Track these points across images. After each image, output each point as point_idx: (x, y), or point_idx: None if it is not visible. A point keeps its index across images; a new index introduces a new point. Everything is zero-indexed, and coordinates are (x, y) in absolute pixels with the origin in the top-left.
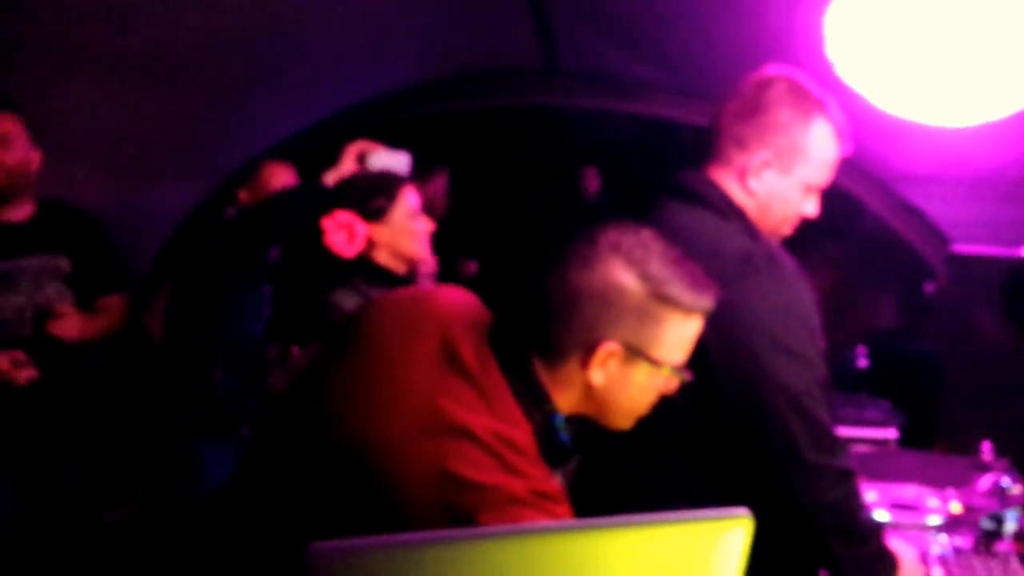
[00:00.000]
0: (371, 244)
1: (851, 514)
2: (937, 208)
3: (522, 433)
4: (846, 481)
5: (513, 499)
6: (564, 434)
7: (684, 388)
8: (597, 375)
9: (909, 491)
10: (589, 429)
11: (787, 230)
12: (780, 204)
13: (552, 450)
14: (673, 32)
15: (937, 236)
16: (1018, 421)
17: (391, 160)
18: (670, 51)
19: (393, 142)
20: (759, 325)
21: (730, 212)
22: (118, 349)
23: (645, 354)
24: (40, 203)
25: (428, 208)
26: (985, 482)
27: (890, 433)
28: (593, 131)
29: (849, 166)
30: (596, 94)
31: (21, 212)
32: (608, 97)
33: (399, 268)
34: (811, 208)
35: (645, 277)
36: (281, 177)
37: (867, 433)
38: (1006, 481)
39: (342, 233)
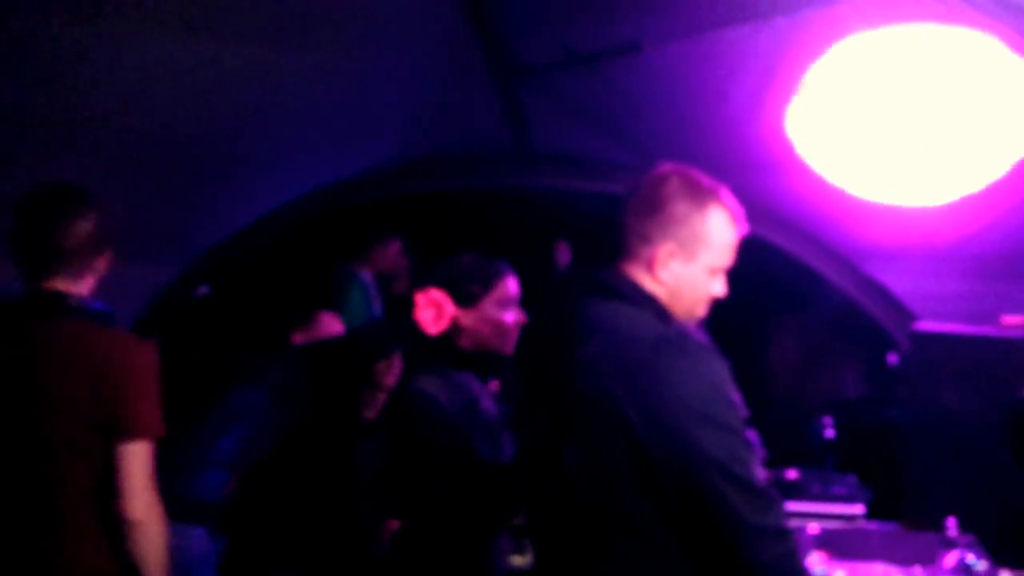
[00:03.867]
0: (455, 327)
1: (795, 572)
2: (902, 283)
3: None
4: (787, 539)
5: None
6: None
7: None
8: None
9: (876, 569)
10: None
11: (701, 311)
12: (690, 289)
13: None
14: (639, 114)
15: (900, 311)
16: (983, 497)
17: None
18: (636, 133)
19: (363, 223)
20: (681, 401)
21: (642, 301)
22: None
23: None
24: None
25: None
26: (951, 559)
27: (857, 508)
28: (563, 209)
29: (813, 242)
30: (566, 175)
31: None
32: (577, 178)
33: (483, 352)
34: (718, 288)
35: None
36: (333, 326)
37: (834, 509)
38: (971, 558)
39: (431, 310)
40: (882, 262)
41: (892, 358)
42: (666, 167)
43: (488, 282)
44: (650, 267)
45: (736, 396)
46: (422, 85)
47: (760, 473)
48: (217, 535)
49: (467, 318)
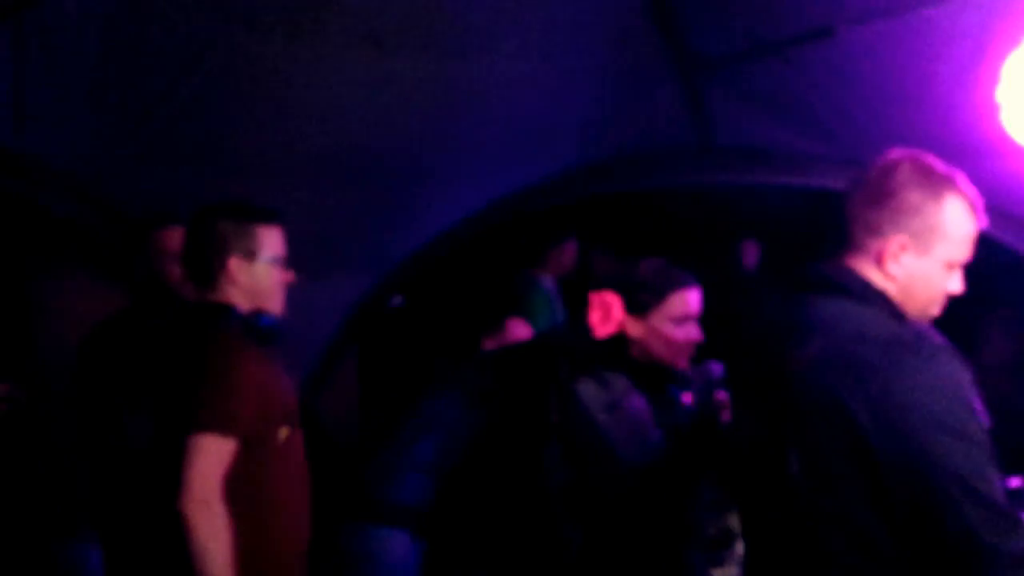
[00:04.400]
0: (623, 334)
1: None
2: None
3: None
4: None
5: None
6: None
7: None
8: None
9: None
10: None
11: (935, 310)
12: (923, 285)
13: None
14: (833, 103)
15: None
16: None
17: None
18: (831, 123)
19: (553, 227)
20: (918, 408)
21: (871, 297)
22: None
23: None
24: None
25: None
26: None
27: None
28: (750, 205)
29: None
30: (751, 169)
31: None
32: (764, 171)
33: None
34: (955, 285)
35: None
36: (521, 331)
37: None
38: None
39: (600, 311)
40: None
41: None
42: (897, 153)
43: (662, 293)
44: (880, 261)
45: (978, 404)
46: (603, 85)
47: (1003, 490)
48: (418, 538)
49: (635, 327)
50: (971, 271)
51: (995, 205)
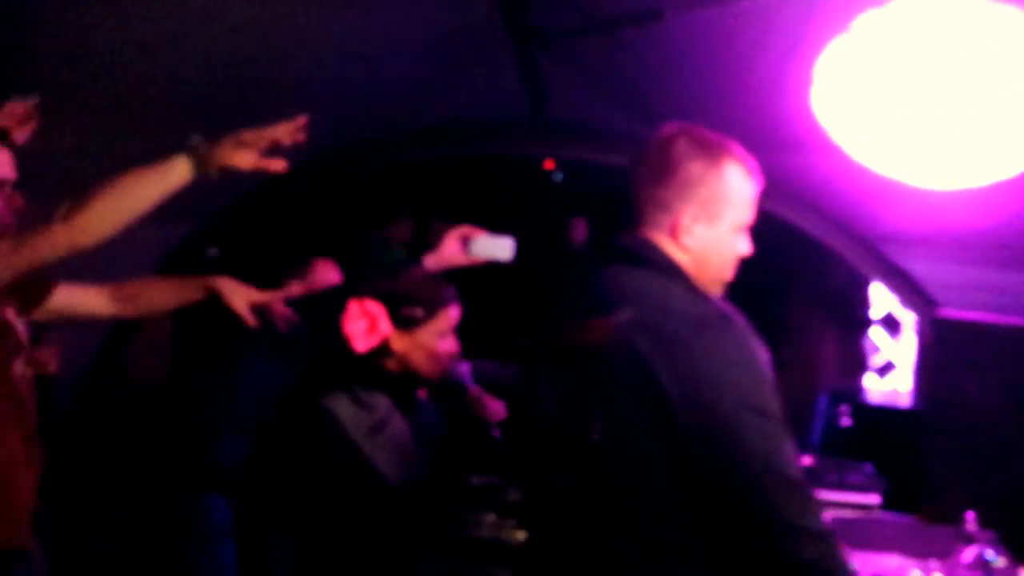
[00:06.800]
0: (386, 347)
1: (834, 572)
2: (923, 270)
3: None
4: (825, 540)
5: None
6: None
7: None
8: None
9: (891, 561)
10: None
11: (729, 275)
12: (716, 253)
13: None
14: (658, 85)
15: (923, 297)
16: (1004, 491)
17: (495, 246)
18: (654, 104)
19: (379, 187)
20: (722, 385)
21: (672, 271)
22: (93, 387)
23: None
24: None
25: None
26: (969, 554)
27: (873, 498)
28: (580, 181)
29: (835, 224)
30: (583, 146)
31: None
32: (595, 149)
33: (409, 376)
34: (744, 247)
35: None
36: (329, 274)
37: (850, 498)
38: (990, 554)
39: (363, 322)
40: (903, 247)
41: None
42: (670, 128)
43: (432, 309)
44: (674, 235)
45: (775, 385)
46: (437, 48)
47: (800, 468)
48: (232, 500)
49: (400, 341)
50: (780, 266)
51: (805, 199)
